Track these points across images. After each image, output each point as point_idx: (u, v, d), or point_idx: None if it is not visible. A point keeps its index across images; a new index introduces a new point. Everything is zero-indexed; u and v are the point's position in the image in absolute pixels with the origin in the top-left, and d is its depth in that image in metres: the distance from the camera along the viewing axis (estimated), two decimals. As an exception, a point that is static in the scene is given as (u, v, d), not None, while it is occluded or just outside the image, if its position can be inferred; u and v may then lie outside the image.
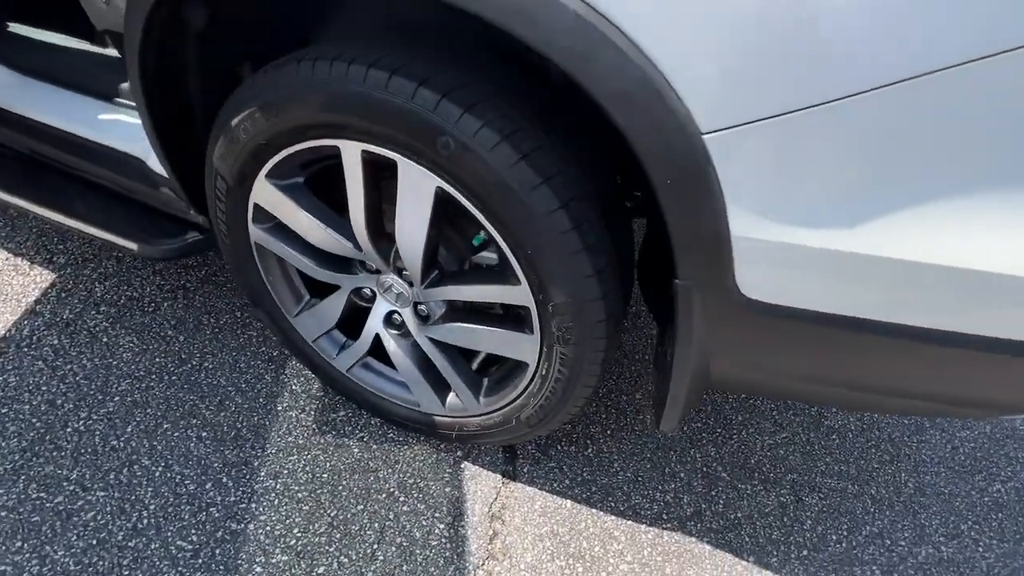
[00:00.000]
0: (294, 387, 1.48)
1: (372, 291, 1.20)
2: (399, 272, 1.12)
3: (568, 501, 1.32)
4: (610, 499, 1.34)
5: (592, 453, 1.43)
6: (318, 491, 1.28)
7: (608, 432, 1.46)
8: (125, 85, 1.36)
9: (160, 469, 1.28)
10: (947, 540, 1.35)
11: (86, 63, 1.48)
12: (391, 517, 1.25)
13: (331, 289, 1.23)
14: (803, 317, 0.77)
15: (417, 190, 0.93)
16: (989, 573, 1.29)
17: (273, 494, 1.26)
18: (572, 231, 0.87)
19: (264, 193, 1.07)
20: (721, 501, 1.36)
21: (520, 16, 0.65)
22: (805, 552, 1.29)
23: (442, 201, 0.93)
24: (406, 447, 1.38)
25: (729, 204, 0.71)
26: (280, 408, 1.43)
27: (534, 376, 1.08)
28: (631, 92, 0.65)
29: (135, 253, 1.36)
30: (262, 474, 1.30)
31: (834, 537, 1.32)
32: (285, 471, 1.31)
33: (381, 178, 1.00)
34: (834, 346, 0.79)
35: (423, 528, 1.24)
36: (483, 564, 1.19)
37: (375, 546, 1.20)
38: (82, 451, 1.30)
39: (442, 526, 1.25)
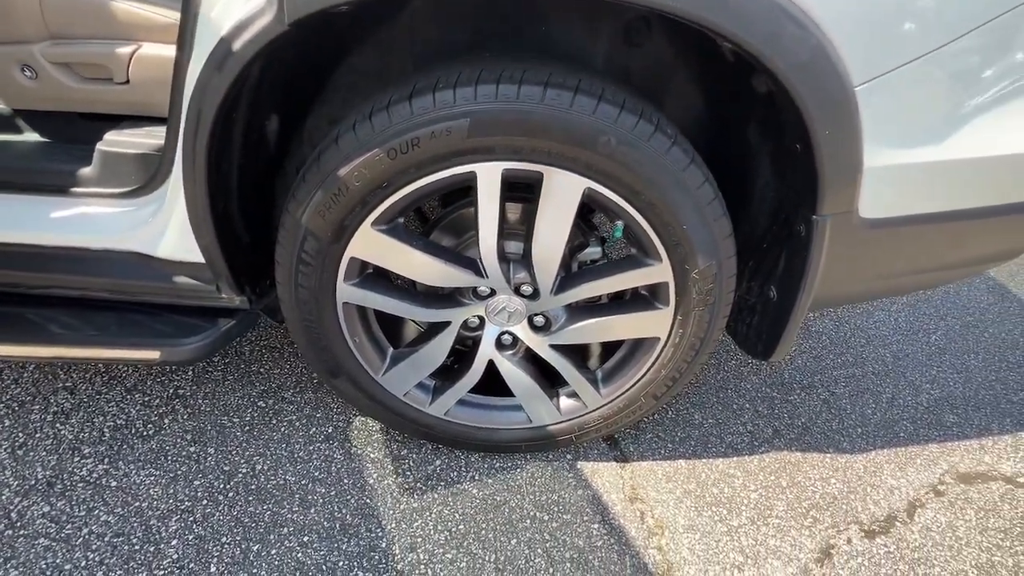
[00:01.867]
0: (372, 455, 1.35)
1: (479, 318, 1.16)
2: (516, 289, 1.11)
3: (681, 461, 1.41)
4: (710, 446, 1.46)
5: (673, 414, 1.54)
6: (465, 544, 1.20)
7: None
8: (85, 171, 1.14)
9: (281, 594, 1.09)
10: (931, 385, 1.72)
11: (8, 158, 1.19)
12: (547, 538, 1.22)
13: (426, 334, 1.17)
14: (914, 221, 0.97)
15: (563, 197, 0.95)
16: (965, 396, 1.68)
17: (423, 566, 1.15)
18: (715, 199, 0.96)
19: (367, 242, 0.99)
20: (785, 415, 1.57)
21: (723, 11, 0.74)
22: (860, 430, 1.55)
23: (581, 204, 0.96)
24: (519, 470, 1.35)
25: (865, 140, 0.87)
26: (372, 481, 1.29)
27: (664, 347, 1.15)
28: (809, 61, 0.78)
29: (158, 362, 1.14)
30: (397, 552, 1.17)
31: (869, 411, 1.61)
32: (419, 538, 1.20)
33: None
34: (933, 238, 1.00)
35: (581, 535, 1.23)
36: (650, 541, 1.23)
37: (549, 570, 1.17)
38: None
39: (596, 526, 1.25)
